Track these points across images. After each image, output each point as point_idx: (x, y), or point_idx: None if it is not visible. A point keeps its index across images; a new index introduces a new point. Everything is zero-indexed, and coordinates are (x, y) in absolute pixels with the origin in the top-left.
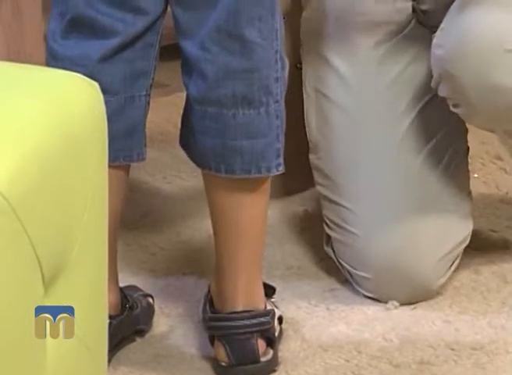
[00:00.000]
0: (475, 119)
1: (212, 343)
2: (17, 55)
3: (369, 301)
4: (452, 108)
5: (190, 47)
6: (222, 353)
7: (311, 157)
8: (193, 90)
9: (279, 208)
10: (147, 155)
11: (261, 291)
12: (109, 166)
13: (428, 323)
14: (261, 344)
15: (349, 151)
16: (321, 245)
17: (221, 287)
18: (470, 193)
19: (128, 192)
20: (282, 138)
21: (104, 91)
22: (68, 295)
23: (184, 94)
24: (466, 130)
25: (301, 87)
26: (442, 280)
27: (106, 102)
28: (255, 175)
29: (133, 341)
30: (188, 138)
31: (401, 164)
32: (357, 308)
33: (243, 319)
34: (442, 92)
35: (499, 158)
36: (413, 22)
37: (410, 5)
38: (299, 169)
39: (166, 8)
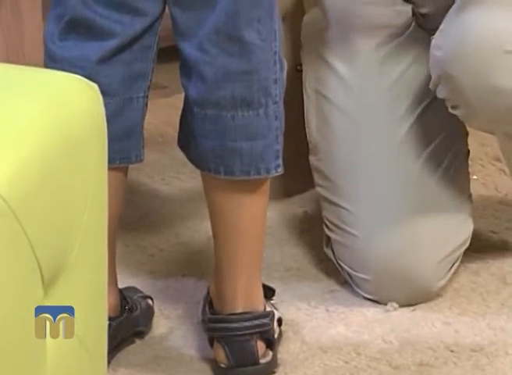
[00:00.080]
0: (474, 121)
1: (212, 344)
2: (16, 57)
3: (369, 302)
4: (451, 110)
5: (188, 49)
6: (221, 355)
7: (311, 158)
8: (192, 92)
9: (278, 210)
10: (145, 156)
11: (261, 293)
12: (107, 168)
13: (428, 325)
14: (260, 345)
15: (349, 153)
16: (320, 247)
17: (220, 289)
18: (470, 196)
19: (127, 194)
20: (281, 139)
21: (102, 92)
22: (67, 296)
23: (183, 96)
24: (466, 133)
25: (301, 88)
26: (442, 282)
27: (105, 104)
28: (254, 176)
29: (133, 342)
30: (187, 140)
31: (401, 166)
32: (357, 309)
33: (242, 320)
34: (441, 94)
35: (499, 160)
36: (413, 25)
37: (409, 8)
38: (299, 171)
39: (164, 9)
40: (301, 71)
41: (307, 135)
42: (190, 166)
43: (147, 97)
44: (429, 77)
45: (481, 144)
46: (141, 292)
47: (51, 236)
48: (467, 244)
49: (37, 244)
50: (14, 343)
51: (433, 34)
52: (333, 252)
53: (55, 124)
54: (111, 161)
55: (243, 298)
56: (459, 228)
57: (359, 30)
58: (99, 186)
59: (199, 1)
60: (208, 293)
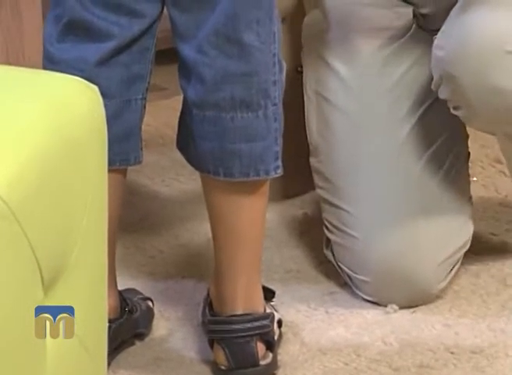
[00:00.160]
0: (475, 122)
1: (212, 346)
2: (16, 58)
3: (368, 304)
4: (452, 111)
5: (187, 50)
6: (221, 356)
7: (312, 160)
8: (191, 94)
9: (278, 212)
10: (145, 158)
11: (261, 294)
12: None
13: (428, 327)
14: (260, 347)
15: (349, 155)
16: (320, 249)
17: (220, 291)
18: (470, 198)
19: (127, 195)
20: (280, 141)
21: (101, 95)
22: (67, 298)
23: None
24: (467, 136)
25: (302, 90)
26: (442, 285)
27: (103, 106)
28: (253, 178)
29: (133, 344)
30: (186, 142)
31: (402, 167)
32: (357, 311)
33: (242, 322)
34: (443, 94)
35: (499, 162)
36: (414, 26)
37: (410, 10)
38: (299, 172)
39: (162, 11)
40: (302, 72)
41: (308, 137)
42: (190, 167)
43: (145, 99)
44: (430, 79)
45: (481, 146)
46: (141, 294)
47: (51, 237)
48: (468, 247)
49: (37, 246)
50: (14, 344)
51: (434, 35)
52: (333, 254)
53: (55, 126)
54: (110, 163)
55: (243, 300)
56: (459, 230)
57: (359, 31)
58: (99, 188)
59: (198, 3)
60: (208, 295)
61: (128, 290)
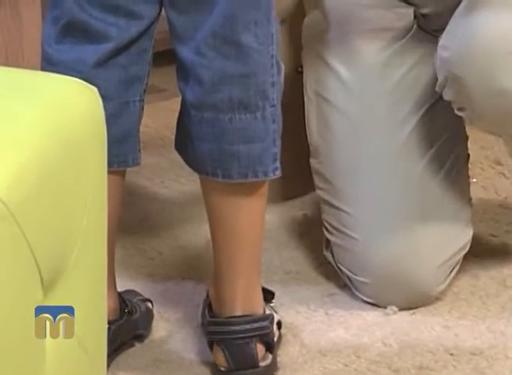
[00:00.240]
0: (480, 123)
1: (211, 348)
2: (16, 59)
3: (368, 306)
4: (457, 112)
5: (185, 52)
6: (221, 358)
7: (312, 161)
8: (189, 95)
9: (278, 213)
10: (144, 159)
11: (260, 296)
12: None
13: (428, 328)
14: (260, 348)
15: (349, 156)
16: (320, 250)
17: (219, 292)
18: (470, 199)
19: (126, 197)
20: (278, 142)
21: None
22: (67, 299)
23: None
24: (466, 137)
25: (302, 90)
26: (442, 287)
27: None
28: (252, 179)
29: (132, 345)
30: (184, 143)
31: (402, 169)
32: (356, 313)
33: (241, 323)
34: (448, 95)
35: (499, 163)
36: (414, 27)
37: (411, 11)
38: (298, 174)
39: (160, 12)
40: (302, 73)
41: (308, 138)
42: (189, 169)
43: (143, 100)
44: (431, 80)
45: (481, 148)
46: (141, 295)
47: (51, 239)
48: (467, 249)
49: (37, 247)
50: (13, 346)
51: (435, 35)
52: (333, 255)
53: (54, 127)
54: (109, 165)
55: (243, 301)
56: (459, 232)
57: (360, 32)
58: (99, 189)
59: (196, 5)
60: (208, 296)
61: (127, 291)
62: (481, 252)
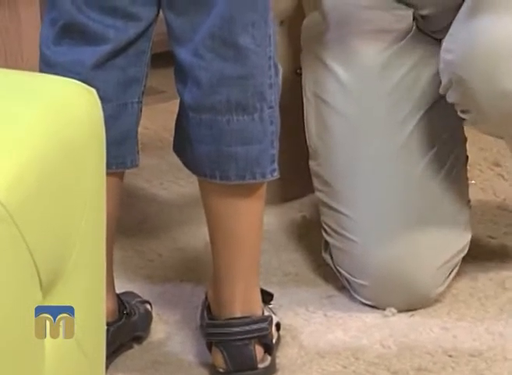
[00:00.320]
0: (484, 125)
1: (210, 349)
2: (15, 60)
3: (367, 307)
4: (460, 114)
5: (183, 54)
6: (219, 359)
7: (311, 163)
8: (187, 97)
9: (277, 215)
10: (143, 161)
11: (259, 297)
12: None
13: (426, 330)
14: (258, 350)
15: (348, 158)
16: (319, 252)
17: (218, 294)
18: (469, 202)
19: (125, 198)
20: (276, 144)
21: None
22: (66, 301)
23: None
24: (465, 139)
25: (300, 92)
26: (441, 289)
27: None
28: (250, 181)
29: (131, 347)
30: (182, 145)
31: (401, 171)
32: (355, 315)
33: (240, 325)
34: (451, 98)
35: (498, 165)
36: (414, 29)
37: (410, 12)
38: (297, 175)
39: (158, 14)
40: (301, 74)
41: (307, 139)
42: (188, 170)
43: (141, 102)
44: (430, 81)
45: (479, 149)
46: (139, 297)
47: (50, 241)
48: (466, 251)
49: (36, 249)
50: (11, 348)
51: (434, 36)
52: (332, 257)
53: (53, 129)
54: (107, 166)
55: (241, 303)
56: (458, 234)
57: (359, 33)
58: (98, 190)
59: (194, 6)
60: (206, 298)
61: (126, 293)
62: (479, 254)
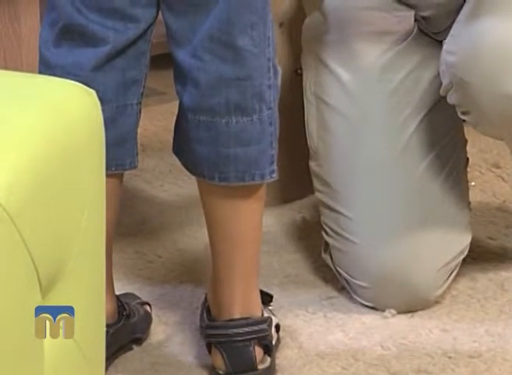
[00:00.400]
0: (485, 127)
1: (210, 351)
2: (14, 62)
3: (367, 309)
4: (461, 116)
5: (182, 55)
6: (219, 361)
7: (311, 164)
8: (186, 99)
9: (276, 216)
10: (144, 162)
11: (258, 299)
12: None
13: (426, 332)
14: (258, 351)
15: (348, 159)
16: (318, 253)
17: (218, 295)
18: (469, 203)
19: (125, 200)
20: (275, 145)
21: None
22: (65, 302)
23: None
24: (466, 141)
25: (301, 92)
26: (441, 291)
27: None
28: (249, 182)
29: (131, 349)
30: (181, 146)
31: (402, 173)
32: (355, 316)
33: (240, 326)
34: (452, 99)
35: (497, 167)
36: (415, 30)
37: (411, 14)
38: (297, 176)
39: (157, 16)
40: (301, 75)
41: (308, 140)
42: (188, 172)
43: (140, 104)
44: (431, 83)
45: (479, 151)
46: (139, 299)
47: (49, 241)
48: (466, 253)
49: (35, 250)
50: (11, 348)
51: (436, 38)
52: (331, 259)
53: (53, 131)
54: (106, 168)
55: (241, 305)
56: (459, 236)
57: (360, 35)
58: (97, 192)
59: (192, 8)
60: (206, 299)
61: (126, 294)
62: (479, 255)
